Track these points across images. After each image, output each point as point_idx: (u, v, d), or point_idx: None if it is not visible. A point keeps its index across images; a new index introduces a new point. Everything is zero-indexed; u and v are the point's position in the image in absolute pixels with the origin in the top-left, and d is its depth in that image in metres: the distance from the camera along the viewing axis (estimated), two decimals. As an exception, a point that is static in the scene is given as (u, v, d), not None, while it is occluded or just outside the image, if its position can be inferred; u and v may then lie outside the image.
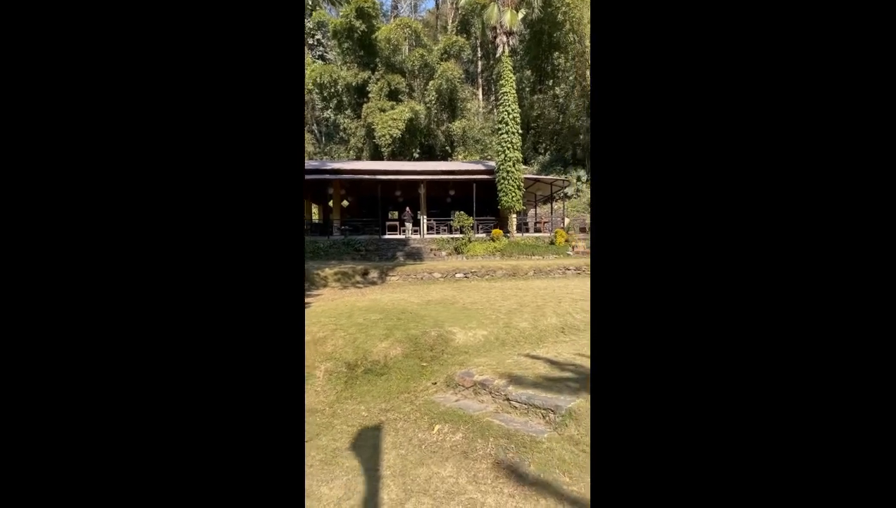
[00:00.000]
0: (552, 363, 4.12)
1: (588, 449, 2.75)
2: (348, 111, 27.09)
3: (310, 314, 6.23)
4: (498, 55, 16.19)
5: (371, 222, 17.42)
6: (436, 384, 4.19)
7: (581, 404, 3.14)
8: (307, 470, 2.82)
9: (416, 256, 13.92)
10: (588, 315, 6.38)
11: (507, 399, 3.50)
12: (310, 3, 25.77)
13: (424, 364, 4.61)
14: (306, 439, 3.29)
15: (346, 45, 26.22)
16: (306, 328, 5.28)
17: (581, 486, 2.42)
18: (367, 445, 3.18)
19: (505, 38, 15.56)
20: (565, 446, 2.81)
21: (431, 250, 14.24)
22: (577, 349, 4.54)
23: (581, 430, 2.91)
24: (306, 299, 7.88)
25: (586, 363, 4.06)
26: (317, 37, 29.42)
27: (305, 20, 25.51)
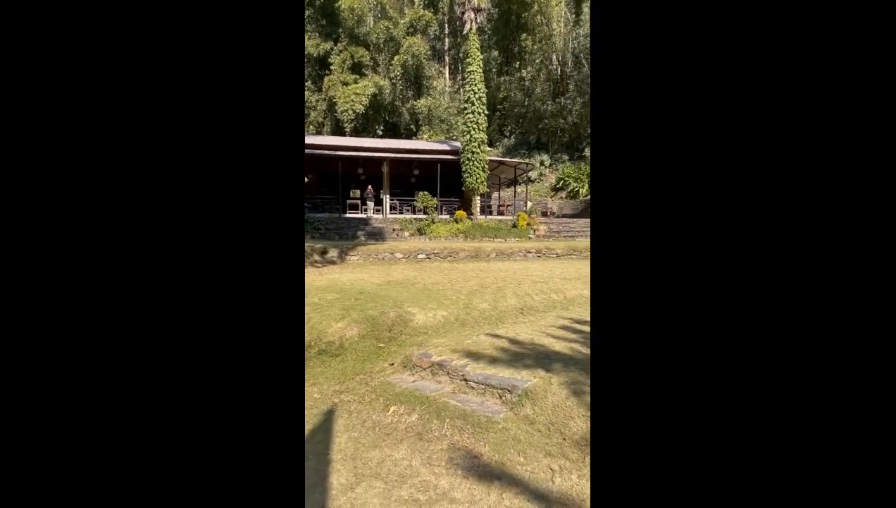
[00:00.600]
0: (511, 343, 4.12)
1: (543, 429, 2.75)
2: (309, 83, 25.84)
3: (262, 294, 5.93)
4: (465, 32, 15.84)
5: (331, 199, 16.86)
6: (393, 365, 4.09)
7: (537, 383, 3.14)
8: (251, 457, 2.67)
9: (377, 236, 13.63)
10: (546, 297, 6.49)
11: (465, 380, 3.46)
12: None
13: (382, 345, 4.50)
14: (252, 423, 3.12)
15: (307, 12, 24.84)
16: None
17: (534, 466, 2.41)
18: (319, 429, 3.05)
19: (473, 15, 15.21)
20: (521, 426, 2.81)
21: (394, 230, 14.00)
22: (535, 329, 4.57)
23: (536, 409, 2.91)
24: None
25: (545, 342, 4.09)
26: (275, 1, 27.59)
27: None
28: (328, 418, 3.21)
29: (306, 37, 24.95)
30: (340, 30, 24.69)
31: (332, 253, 10.41)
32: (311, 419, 3.18)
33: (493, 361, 3.66)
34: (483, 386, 3.31)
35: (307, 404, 3.44)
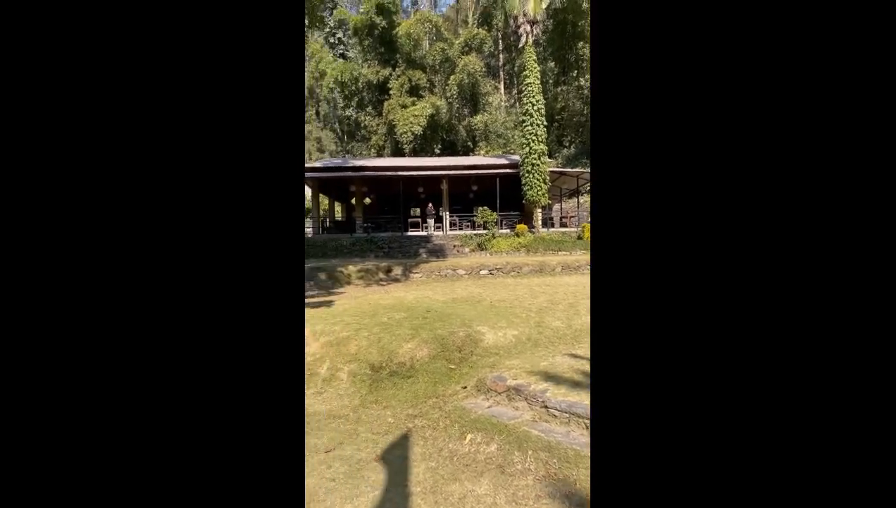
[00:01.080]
0: (592, 366, 3.80)
1: (643, 467, 2.44)
2: (369, 109, 27.03)
3: (333, 313, 6.06)
4: (521, 45, 15.73)
5: (393, 219, 17.28)
6: (466, 388, 3.92)
7: (630, 414, 2.82)
8: (330, 484, 2.61)
9: (438, 252, 13.68)
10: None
11: (545, 406, 3.21)
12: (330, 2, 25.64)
13: (453, 367, 4.35)
14: (329, 448, 3.08)
15: (366, 42, 26.15)
16: (330, 327, 5.10)
17: (639, 512, 2.11)
18: (395, 456, 2.94)
19: (529, 28, 15.08)
20: (615, 462, 2.50)
21: (454, 246, 13.98)
22: (617, 351, 4.20)
23: (633, 444, 2.60)
24: (329, 298, 7.76)
25: (630, 366, 3.72)
26: (338, 35, 29.32)
27: (327, 19, 25.46)
28: (403, 444, 3.10)
29: (366, 65, 26.25)
30: (398, 56, 25.66)
31: (396, 271, 10.55)
32: (386, 445, 3.09)
33: (575, 385, 3.37)
34: (567, 415, 3.04)
35: (382, 428, 3.37)
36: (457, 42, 25.66)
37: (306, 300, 7.50)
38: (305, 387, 4.16)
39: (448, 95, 25.08)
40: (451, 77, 24.69)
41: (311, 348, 4.68)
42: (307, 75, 30.04)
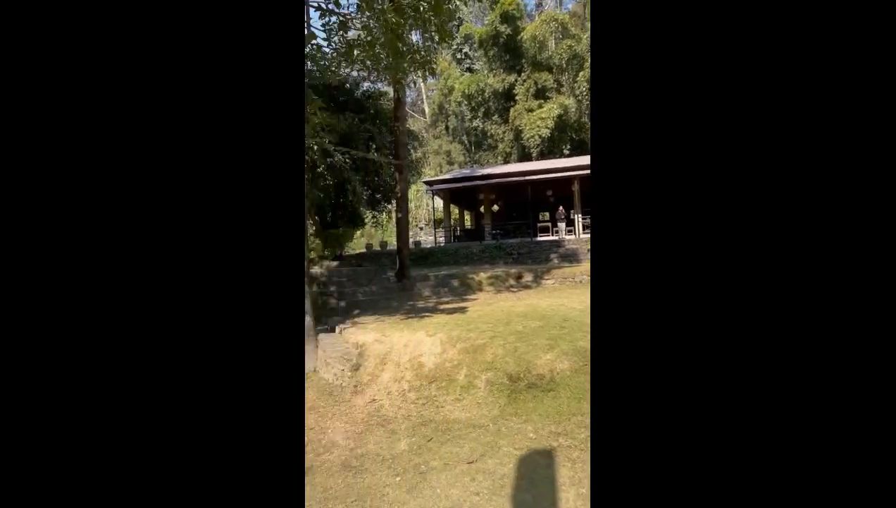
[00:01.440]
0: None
1: None
2: (495, 117, 27.31)
3: (466, 320, 6.12)
4: (662, 26, 14.17)
5: (522, 224, 17.04)
6: (615, 408, 3.53)
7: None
8: (474, 499, 2.54)
9: (571, 257, 12.99)
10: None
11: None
12: (456, 21, 26.73)
13: (598, 383, 3.97)
14: (472, 459, 3.03)
15: (491, 52, 26.56)
16: (465, 334, 5.14)
17: None
18: (540, 476, 2.74)
19: (670, 5, 13.50)
20: None
21: (588, 250, 13.12)
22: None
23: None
24: (462, 304, 7.90)
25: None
26: (464, 50, 30.46)
27: (455, 34, 26.61)
28: (548, 464, 2.88)
29: (492, 75, 26.64)
30: (523, 60, 25.48)
31: (527, 277, 10.30)
32: (530, 462, 2.92)
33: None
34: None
35: (523, 443, 3.20)
36: (585, 36, 24.38)
37: (441, 307, 7.76)
38: (445, 393, 4.23)
39: (577, 92, 23.94)
40: (580, 73, 23.50)
41: (449, 354, 4.76)
42: (436, 94, 31.79)
